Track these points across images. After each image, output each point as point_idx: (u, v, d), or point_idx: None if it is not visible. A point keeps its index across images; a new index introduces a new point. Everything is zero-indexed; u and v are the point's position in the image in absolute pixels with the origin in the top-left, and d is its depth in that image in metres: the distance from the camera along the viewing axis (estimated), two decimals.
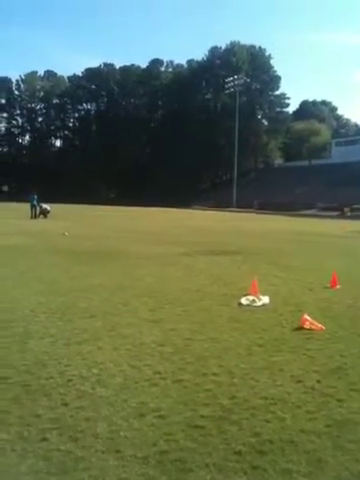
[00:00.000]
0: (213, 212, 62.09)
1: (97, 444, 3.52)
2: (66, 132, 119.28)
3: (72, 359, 5.27)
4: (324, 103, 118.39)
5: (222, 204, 73.37)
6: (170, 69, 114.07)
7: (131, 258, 13.76)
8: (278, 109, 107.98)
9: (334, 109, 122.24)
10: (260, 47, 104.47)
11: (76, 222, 30.71)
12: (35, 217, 33.38)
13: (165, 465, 3.26)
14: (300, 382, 4.77)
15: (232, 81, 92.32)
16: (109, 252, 14.94)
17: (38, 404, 4.15)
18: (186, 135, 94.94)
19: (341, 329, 6.75)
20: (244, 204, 70.31)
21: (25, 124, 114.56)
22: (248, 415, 4.01)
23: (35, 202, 34.11)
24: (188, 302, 8.28)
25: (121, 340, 6.00)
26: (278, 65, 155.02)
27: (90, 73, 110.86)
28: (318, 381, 4.80)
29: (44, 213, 33.94)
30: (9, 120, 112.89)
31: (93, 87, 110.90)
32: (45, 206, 34.46)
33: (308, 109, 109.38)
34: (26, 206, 35.21)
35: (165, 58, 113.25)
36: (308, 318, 6.85)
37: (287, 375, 4.95)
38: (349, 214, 54.83)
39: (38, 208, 34.09)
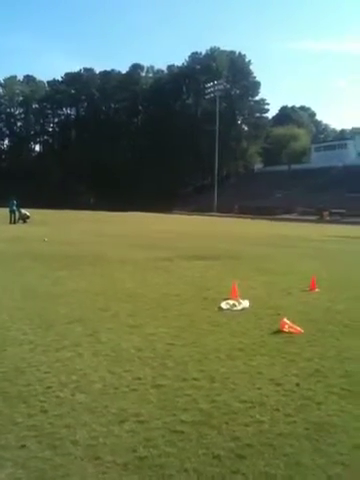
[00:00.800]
0: (194, 217, 62.25)
1: (76, 451, 3.49)
2: (46, 137, 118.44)
3: (51, 366, 5.23)
4: (303, 109, 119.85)
5: (203, 209, 73.64)
6: (150, 74, 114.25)
7: (111, 263, 13.71)
8: (258, 114, 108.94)
9: (313, 115, 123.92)
10: (240, 53, 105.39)
11: (56, 227, 30.49)
12: (14, 222, 33.03)
13: (144, 471, 3.25)
14: (279, 385, 4.80)
15: (212, 86, 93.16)
16: (89, 257, 14.85)
17: (16, 411, 4.11)
18: (167, 140, 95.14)
19: (319, 332, 6.83)
20: (225, 209, 70.63)
21: (4, 129, 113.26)
22: (227, 419, 4.02)
23: (14, 207, 33.77)
24: (168, 307, 8.27)
25: (101, 346, 5.97)
26: (258, 71, 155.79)
27: (70, 78, 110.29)
28: (297, 384, 4.84)
29: (23, 218, 33.63)
30: None
31: (73, 92, 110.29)
32: (25, 212, 34.15)
33: (287, 114, 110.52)
34: (5, 211, 34.82)
35: (145, 63, 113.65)
36: (287, 322, 6.91)
37: (266, 378, 4.98)
38: (328, 218, 55.49)
39: (17, 213, 33.76)
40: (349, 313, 8.07)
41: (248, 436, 3.75)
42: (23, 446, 3.55)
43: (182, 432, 3.79)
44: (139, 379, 4.89)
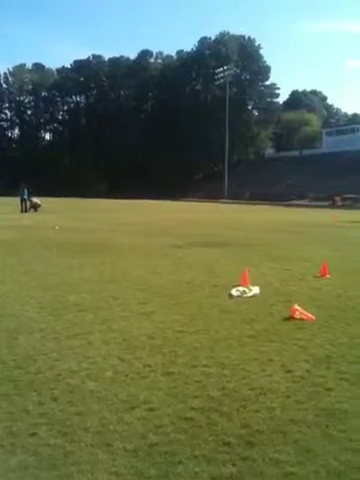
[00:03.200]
0: (205, 203, 62.06)
1: (87, 438, 3.52)
2: (56, 125, 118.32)
3: (62, 353, 5.26)
4: (314, 93, 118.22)
5: (214, 195, 73.29)
6: (160, 60, 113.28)
7: (122, 251, 13.73)
8: (268, 99, 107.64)
9: (324, 99, 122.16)
10: (249, 37, 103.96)
11: (67, 215, 30.57)
12: (25, 211, 33.17)
13: (154, 458, 3.27)
14: (290, 372, 4.79)
15: (222, 72, 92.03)
16: (100, 245, 14.90)
17: (27, 399, 4.14)
18: (177, 126, 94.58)
19: (331, 318, 6.78)
20: (235, 195, 70.27)
21: (14, 117, 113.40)
22: (238, 406, 4.02)
23: (25, 196, 33.91)
24: (179, 294, 8.27)
25: (111, 334, 5.99)
26: (268, 55, 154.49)
27: (79, 65, 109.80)
28: (308, 370, 4.82)
29: (35, 207, 33.76)
30: None
31: (82, 79, 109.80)
32: (36, 200, 34.28)
33: (298, 99, 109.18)
34: (17, 200, 35.00)
35: (154, 49, 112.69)
36: (298, 308, 6.87)
37: (277, 365, 4.97)
38: (340, 204, 54.89)
39: (28, 202, 33.90)
40: None
41: (258, 423, 3.74)
42: (34, 433, 3.58)
43: (192, 419, 3.80)
44: (149, 366, 4.90)
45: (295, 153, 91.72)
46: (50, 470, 3.14)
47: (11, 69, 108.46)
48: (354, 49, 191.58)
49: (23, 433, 3.59)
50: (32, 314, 6.89)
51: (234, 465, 3.18)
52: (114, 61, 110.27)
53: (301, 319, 6.66)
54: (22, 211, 33.01)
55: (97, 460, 3.24)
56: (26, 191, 33.93)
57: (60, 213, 32.84)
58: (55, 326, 6.28)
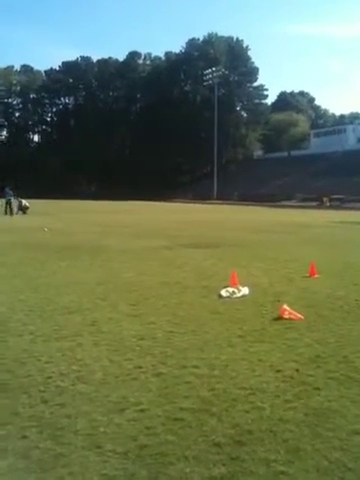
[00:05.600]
0: (194, 205, 62.13)
1: (77, 441, 3.51)
2: (44, 127, 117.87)
3: (52, 356, 5.24)
4: (302, 94, 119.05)
5: (203, 196, 73.47)
6: (148, 61, 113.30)
7: (111, 252, 13.71)
8: (257, 101, 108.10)
9: (312, 100, 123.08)
10: (237, 38, 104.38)
11: (56, 217, 30.45)
12: (11, 213, 32.55)
13: (145, 459, 3.27)
14: (279, 371, 4.81)
15: (210, 73, 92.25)
16: (89, 247, 14.86)
17: (17, 402, 4.12)
18: (166, 128, 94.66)
19: (320, 318, 6.83)
20: (224, 196, 70.55)
21: (2, 119, 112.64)
22: (227, 406, 4.04)
23: (12, 198, 33.28)
24: (168, 295, 8.28)
25: (101, 335, 5.98)
26: (256, 56, 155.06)
27: (67, 67, 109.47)
28: (297, 370, 4.85)
29: (23, 209, 33.51)
30: None
31: (70, 81, 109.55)
32: (25, 202, 34.00)
33: (286, 100, 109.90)
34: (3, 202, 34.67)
35: (143, 51, 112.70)
36: (287, 308, 6.91)
37: (266, 365, 5.00)
38: (328, 204, 55.35)
39: (16, 203, 33.47)
40: (349, 299, 8.07)
41: (248, 423, 3.76)
42: (24, 436, 3.57)
43: (182, 420, 3.80)
44: (140, 368, 4.90)
45: (283, 154, 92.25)
46: (40, 473, 3.13)
47: None
48: (340, 51, 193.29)
49: (13, 436, 3.57)
50: (21, 316, 6.85)
51: (224, 465, 3.20)
52: (103, 62, 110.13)
53: (290, 319, 6.70)
54: (6, 213, 32.24)
55: (87, 462, 3.24)
56: (11, 192, 33.38)
57: (49, 215, 32.70)
58: (44, 328, 6.25)
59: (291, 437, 3.56)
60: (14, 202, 33.47)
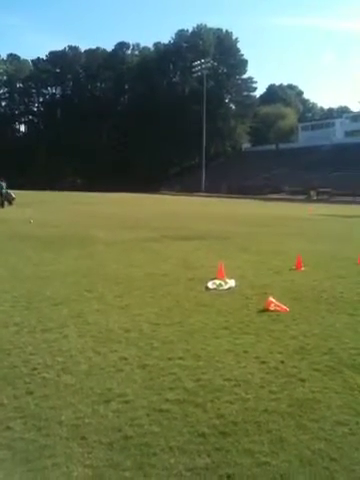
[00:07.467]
0: (181, 197, 62.07)
1: (62, 432, 3.51)
2: (31, 117, 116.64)
3: (37, 347, 5.22)
4: (291, 87, 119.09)
5: (191, 189, 73.38)
6: (136, 52, 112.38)
7: (97, 244, 13.66)
8: (245, 93, 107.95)
9: (300, 93, 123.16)
10: (227, 30, 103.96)
11: (42, 209, 30.22)
12: (2, 205, 32.30)
13: (130, 450, 3.28)
14: (264, 363, 4.84)
15: (199, 65, 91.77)
16: (75, 238, 14.79)
17: (2, 393, 4.11)
18: (154, 119, 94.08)
19: (305, 310, 6.89)
20: (213, 189, 70.50)
21: None
22: (212, 397, 4.06)
23: (4, 190, 32.80)
24: (155, 287, 8.28)
25: (87, 327, 5.97)
26: (245, 49, 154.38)
27: (54, 56, 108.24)
28: (281, 362, 4.88)
29: (9, 200, 33.13)
30: None
31: (58, 71, 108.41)
32: (11, 193, 33.60)
33: (275, 93, 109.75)
34: None
35: (131, 41, 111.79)
36: (273, 300, 6.95)
37: (251, 356, 5.02)
38: (315, 197, 55.65)
39: (3, 195, 33.07)
40: (334, 291, 8.14)
41: (233, 413, 3.79)
42: (8, 428, 3.56)
43: (167, 411, 3.82)
44: (125, 359, 4.90)
45: (271, 147, 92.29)
46: (25, 464, 3.13)
47: None
48: (329, 44, 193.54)
49: None
50: (6, 308, 6.81)
51: (209, 456, 3.22)
52: (90, 53, 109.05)
53: (276, 311, 6.75)
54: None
55: (72, 453, 3.24)
56: (4, 184, 32.97)
57: (34, 206, 32.41)
58: (30, 320, 6.22)
59: (275, 428, 3.59)
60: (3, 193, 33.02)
